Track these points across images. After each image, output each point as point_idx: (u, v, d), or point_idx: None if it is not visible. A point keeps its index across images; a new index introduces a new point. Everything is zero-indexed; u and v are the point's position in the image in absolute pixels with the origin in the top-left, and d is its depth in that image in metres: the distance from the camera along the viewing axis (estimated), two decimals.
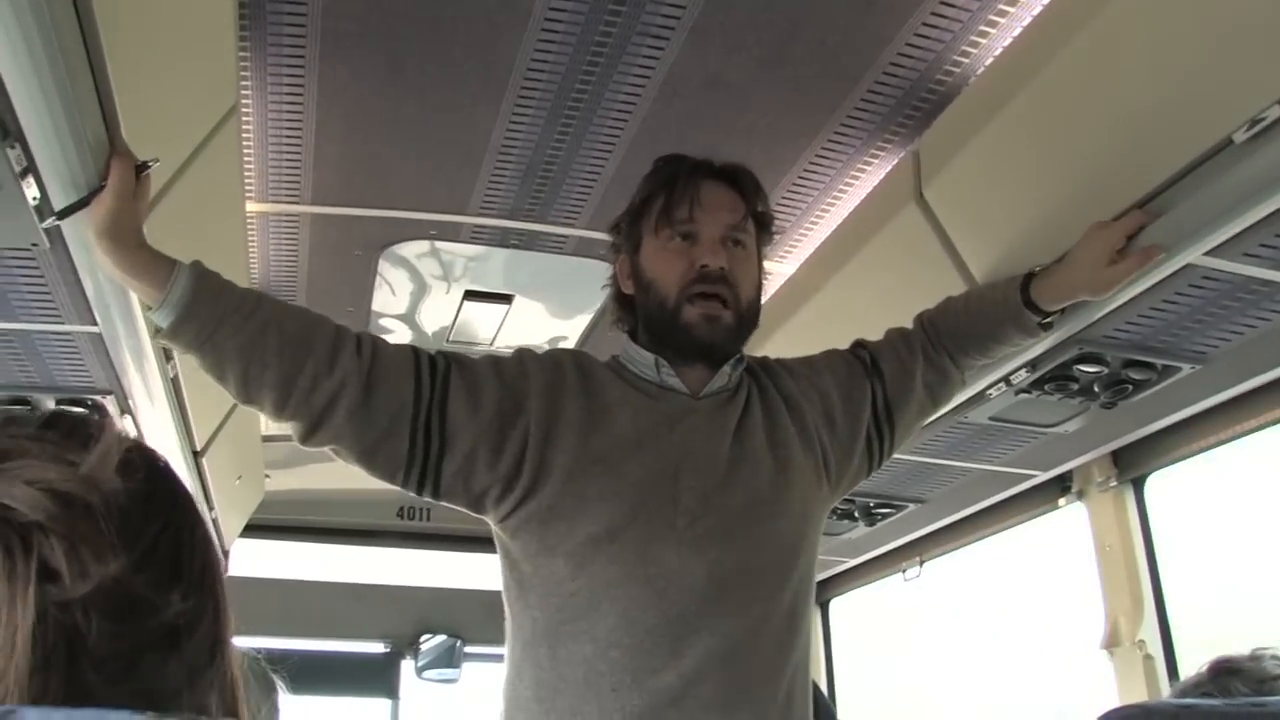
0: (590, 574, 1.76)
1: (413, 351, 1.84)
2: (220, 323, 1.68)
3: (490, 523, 1.88)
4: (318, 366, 1.72)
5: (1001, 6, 2.02)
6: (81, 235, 1.73)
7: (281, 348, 1.71)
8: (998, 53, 2.13)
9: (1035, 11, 2.02)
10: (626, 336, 1.99)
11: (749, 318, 1.93)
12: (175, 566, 0.74)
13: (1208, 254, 1.87)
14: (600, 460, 1.80)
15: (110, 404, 2.53)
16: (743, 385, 1.96)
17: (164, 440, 2.68)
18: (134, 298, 1.93)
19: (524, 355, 1.92)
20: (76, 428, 0.76)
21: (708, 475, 1.83)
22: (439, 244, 2.91)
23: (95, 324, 2.13)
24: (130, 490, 0.72)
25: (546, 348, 3.24)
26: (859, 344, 2.11)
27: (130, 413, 2.55)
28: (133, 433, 2.57)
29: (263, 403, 1.74)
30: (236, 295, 1.72)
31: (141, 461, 0.76)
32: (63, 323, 2.17)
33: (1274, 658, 1.65)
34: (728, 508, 1.81)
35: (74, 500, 0.68)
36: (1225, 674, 1.64)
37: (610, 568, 1.76)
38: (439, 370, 1.82)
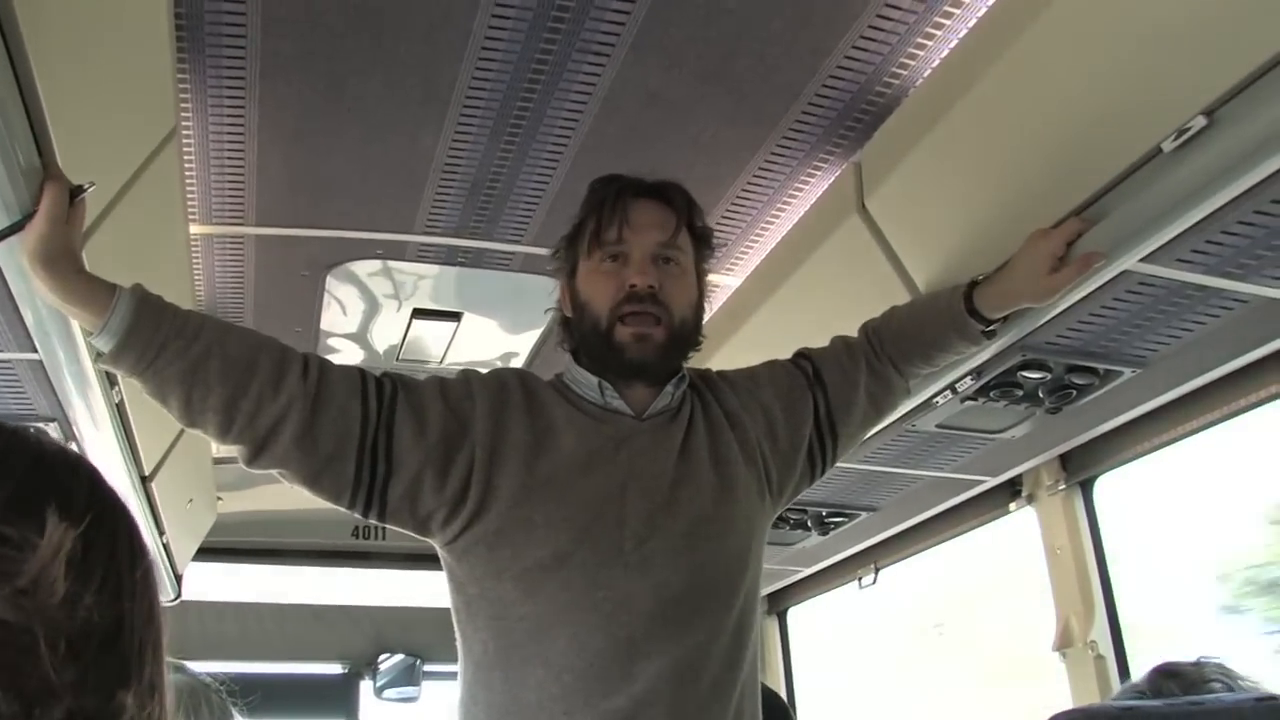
0: (540, 599, 1.76)
1: (359, 374, 1.82)
2: (161, 349, 1.66)
3: (436, 545, 1.87)
4: (262, 389, 1.71)
5: (938, 20, 2.05)
6: (17, 262, 1.70)
7: (225, 372, 1.69)
8: (935, 65, 2.15)
9: (971, 24, 2.05)
10: (570, 357, 1.99)
11: (684, 334, 1.93)
12: (124, 668, 0.68)
13: (1142, 260, 1.90)
14: (546, 484, 1.80)
15: (54, 431, 2.50)
16: (686, 403, 1.96)
17: (110, 467, 2.65)
18: (75, 324, 1.91)
19: (470, 377, 1.91)
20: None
21: (653, 496, 1.83)
22: (386, 263, 2.90)
23: (35, 351, 2.11)
24: (77, 593, 0.64)
25: (497, 365, 3.27)
26: (801, 354, 2.12)
27: (75, 440, 2.52)
28: None
29: (206, 426, 1.73)
30: (178, 319, 1.70)
31: (90, 546, 0.67)
32: (1, 350, 2.14)
33: (1218, 667, 1.66)
34: (673, 529, 1.81)
35: (10, 632, 0.60)
36: (1163, 677, 1.66)
37: (560, 593, 1.76)
38: (385, 393, 1.81)
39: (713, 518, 1.86)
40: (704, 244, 2.00)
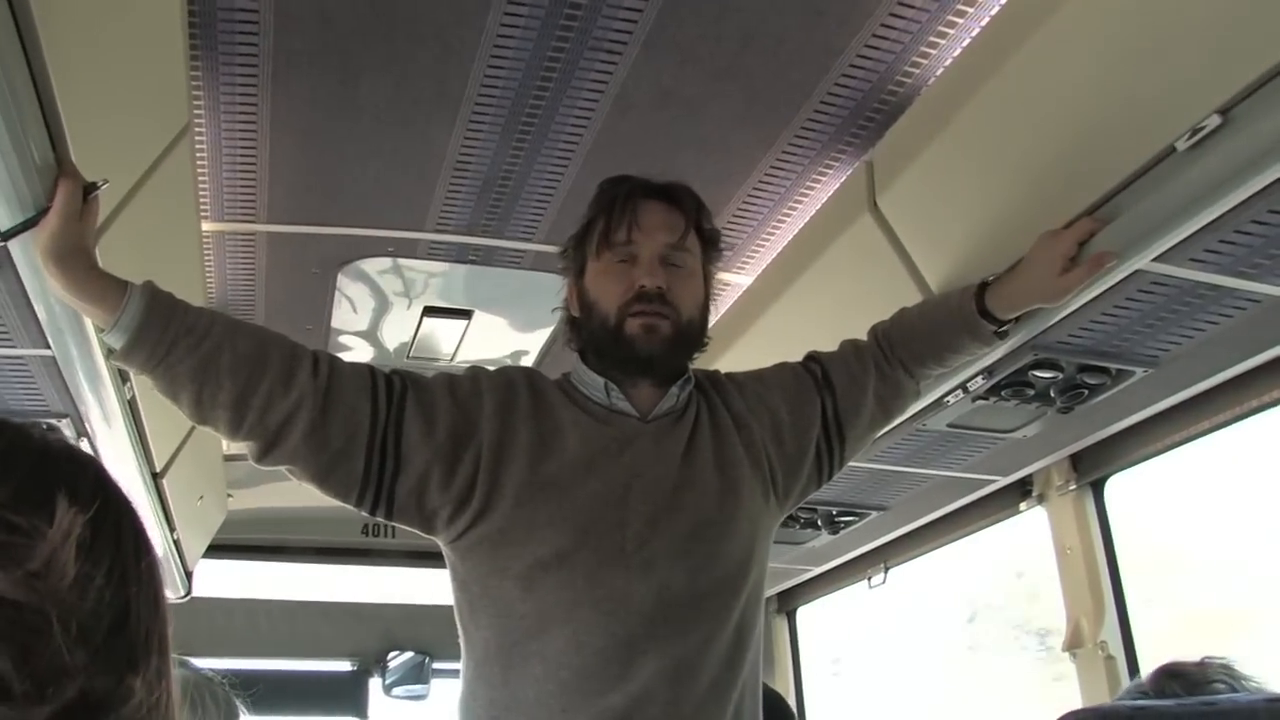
0: (540, 597, 1.77)
1: (369, 372, 1.83)
2: (172, 345, 1.67)
3: (441, 543, 1.88)
4: (273, 386, 1.72)
5: (951, 18, 2.05)
6: (31, 259, 1.71)
7: (235, 368, 1.70)
8: (948, 63, 2.15)
9: (983, 23, 2.04)
10: (577, 357, 2.00)
11: (690, 334, 1.93)
12: (132, 653, 0.69)
13: (1155, 260, 1.89)
14: (550, 484, 1.81)
15: (66, 427, 2.50)
16: (691, 405, 1.96)
17: (122, 463, 2.66)
18: (87, 320, 1.92)
19: (478, 375, 1.92)
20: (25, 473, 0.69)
21: (656, 498, 1.83)
22: (397, 261, 2.90)
23: (48, 347, 2.11)
24: (87, 576, 0.65)
25: (507, 363, 3.27)
26: (811, 356, 2.12)
27: (87, 436, 2.53)
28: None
29: (217, 423, 1.74)
30: (190, 316, 1.71)
31: (98, 533, 0.68)
32: (14, 346, 2.15)
33: (1223, 667, 1.67)
34: (675, 530, 1.82)
35: (23, 613, 0.61)
36: (1166, 677, 1.66)
37: (560, 591, 1.77)
38: (395, 391, 1.82)
39: (716, 520, 1.86)
40: (711, 246, 2.01)
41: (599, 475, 1.83)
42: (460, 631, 1.88)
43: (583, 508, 1.80)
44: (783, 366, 2.11)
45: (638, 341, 1.87)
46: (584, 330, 1.97)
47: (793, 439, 2.01)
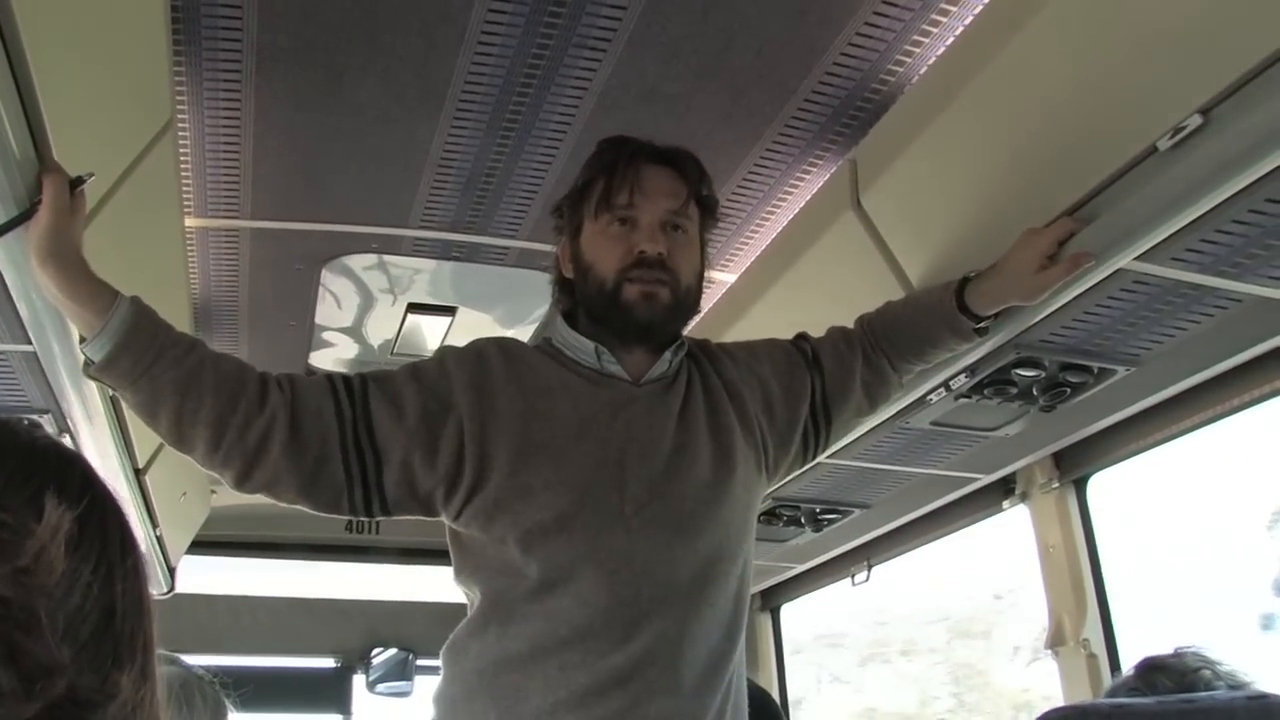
0: (542, 559, 1.77)
1: (327, 377, 1.83)
2: (159, 355, 1.66)
3: (446, 522, 1.87)
4: (249, 404, 1.72)
5: (934, 17, 2.05)
6: (13, 255, 1.70)
7: (218, 385, 1.70)
8: (931, 62, 2.15)
9: (966, 22, 2.05)
10: (562, 320, 1.99)
11: (688, 301, 1.93)
12: (118, 651, 0.69)
13: (1138, 259, 1.89)
14: (543, 449, 1.81)
15: (48, 423, 2.48)
16: (683, 371, 1.96)
17: (104, 459, 2.65)
18: None
19: (444, 354, 1.91)
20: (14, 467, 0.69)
21: (652, 462, 1.83)
22: (381, 257, 2.89)
23: (30, 343, 2.10)
24: (74, 572, 0.66)
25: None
26: (801, 336, 2.14)
27: (69, 432, 2.52)
28: None
29: (195, 441, 1.72)
30: (174, 332, 1.71)
31: (84, 530, 0.69)
32: None
33: (1196, 655, 1.69)
34: (674, 494, 1.82)
35: (11, 610, 0.62)
36: (1151, 671, 1.68)
37: (563, 552, 1.76)
38: (355, 390, 1.81)
39: (712, 484, 1.87)
40: (710, 214, 2.01)
41: (593, 438, 1.83)
42: (464, 595, 1.89)
43: (579, 471, 1.80)
44: (773, 342, 2.11)
45: (636, 308, 1.87)
46: (579, 292, 1.96)
47: (783, 412, 2.02)
